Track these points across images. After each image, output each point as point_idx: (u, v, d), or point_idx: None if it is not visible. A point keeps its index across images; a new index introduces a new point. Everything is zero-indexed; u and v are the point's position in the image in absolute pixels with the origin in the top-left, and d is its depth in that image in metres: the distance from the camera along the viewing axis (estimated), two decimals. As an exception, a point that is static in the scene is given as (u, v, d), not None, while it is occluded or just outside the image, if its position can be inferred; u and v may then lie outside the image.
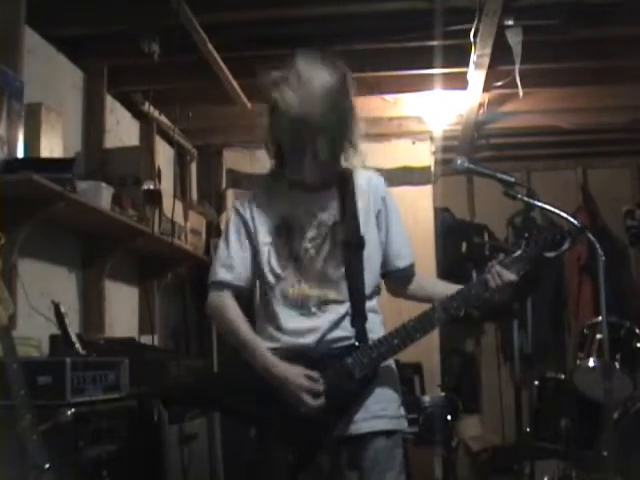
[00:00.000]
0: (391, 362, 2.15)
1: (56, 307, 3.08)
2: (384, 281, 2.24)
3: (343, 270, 2.08)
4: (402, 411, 2.14)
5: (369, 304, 2.11)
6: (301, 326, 2.06)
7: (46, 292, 3.27)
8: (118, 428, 2.77)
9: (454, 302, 2.08)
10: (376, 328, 2.11)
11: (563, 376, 4.01)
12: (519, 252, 2.11)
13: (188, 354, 4.82)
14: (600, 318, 3.63)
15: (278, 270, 2.09)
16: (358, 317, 2.07)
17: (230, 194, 5.34)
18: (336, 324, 2.06)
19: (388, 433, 2.07)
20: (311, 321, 2.06)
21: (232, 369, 2.31)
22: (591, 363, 3.78)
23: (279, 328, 2.08)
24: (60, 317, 3.06)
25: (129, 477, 2.77)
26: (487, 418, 5.78)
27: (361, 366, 2.02)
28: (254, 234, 2.13)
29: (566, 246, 2.12)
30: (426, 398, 4.29)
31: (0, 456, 2.24)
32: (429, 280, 2.42)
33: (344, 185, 2.15)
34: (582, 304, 5.76)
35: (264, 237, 2.12)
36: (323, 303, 2.06)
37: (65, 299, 3.37)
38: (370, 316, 2.10)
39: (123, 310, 4.20)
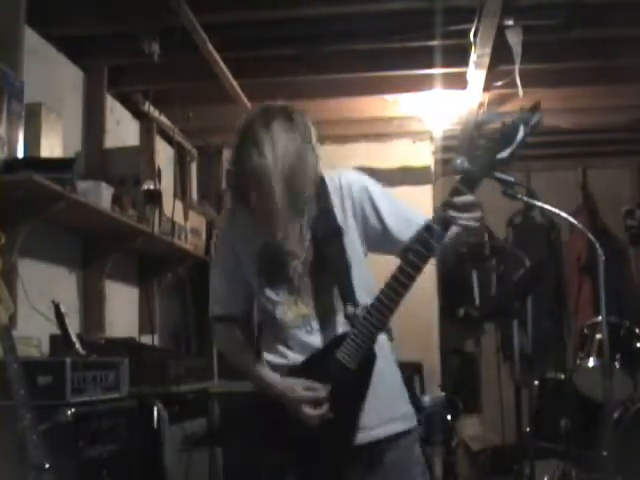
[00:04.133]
0: (393, 364, 2.12)
1: (56, 307, 3.08)
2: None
3: (331, 275, 2.03)
4: (410, 406, 2.12)
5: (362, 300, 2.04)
6: (306, 343, 2.05)
7: (46, 292, 3.26)
8: (118, 428, 2.76)
9: (417, 244, 1.91)
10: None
11: (563, 376, 4.02)
12: (466, 168, 1.92)
13: (188, 354, 4.82)
14: (600, 318, 3.64)
15: (272, 296, 2.07)
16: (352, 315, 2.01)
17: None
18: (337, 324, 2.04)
19: (405, 433, 2.06)
20: (315, 337, 2.04)
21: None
22: (591, 363, 3.78)
23: (285, 346, 2.08)
24: (60, 317, 3.06)
25: (129, 477, 2.77)
26: (487, 418, 5.78)
27: (353, 356, 1.95)
28: (241, 263, 2.11)
29: (520, 134, 1.94)
30: (426, 398, 4.29)
31: (0, 456, 2.24)
32: None
33: (315, 194, 2.05)
34: (582, 304, 5.76)
35: (251, 266, 2.09)
36: (322, 315, 2.04)
37: (65, 299, 3.37)
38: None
39: (123, 310, 4.19)
